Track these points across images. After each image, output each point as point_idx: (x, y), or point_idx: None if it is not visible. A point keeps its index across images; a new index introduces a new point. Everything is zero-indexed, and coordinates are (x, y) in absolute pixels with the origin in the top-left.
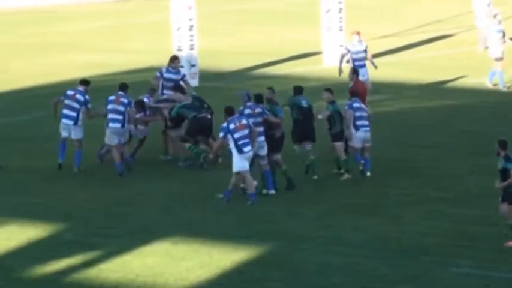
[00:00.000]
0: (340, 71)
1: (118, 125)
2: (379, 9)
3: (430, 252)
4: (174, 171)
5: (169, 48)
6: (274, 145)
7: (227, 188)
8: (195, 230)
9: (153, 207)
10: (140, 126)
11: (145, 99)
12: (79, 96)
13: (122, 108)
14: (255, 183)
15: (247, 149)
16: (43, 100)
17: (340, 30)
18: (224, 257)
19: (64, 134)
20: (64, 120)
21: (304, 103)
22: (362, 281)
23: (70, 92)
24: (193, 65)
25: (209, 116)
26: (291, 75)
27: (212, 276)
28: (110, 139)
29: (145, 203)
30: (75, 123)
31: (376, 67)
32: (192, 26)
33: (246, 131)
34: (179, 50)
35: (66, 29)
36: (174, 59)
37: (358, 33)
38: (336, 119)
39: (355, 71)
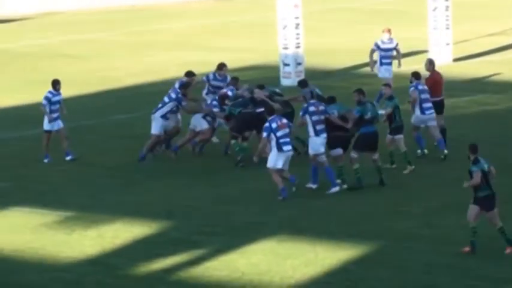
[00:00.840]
0: (372, 66)
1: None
2: (486, 7)
3: None
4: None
5: (275, 46)
6: (368, 144)
7: (278, 187)
8: (299, 228)
9: (254, 205)
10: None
11: (229, 92)
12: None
13: (166, 99)
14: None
15: (287, 148)
16: (146, 98)
17: (447, 28)
18: (329, 256)
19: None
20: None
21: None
22: (468, 280)
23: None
24: (299, 64)
25: (258, 111)
26: (397, 73)
27: (318, 275)
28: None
29: (245, 201)
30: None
31: (400, 65)
32: (298, 24)
33: (287, 130)
34: (285, 48)
35: (170, 27)
36: (222, 67)
37: (389, 31)
38: (396, 113)
39: (431, 62)
